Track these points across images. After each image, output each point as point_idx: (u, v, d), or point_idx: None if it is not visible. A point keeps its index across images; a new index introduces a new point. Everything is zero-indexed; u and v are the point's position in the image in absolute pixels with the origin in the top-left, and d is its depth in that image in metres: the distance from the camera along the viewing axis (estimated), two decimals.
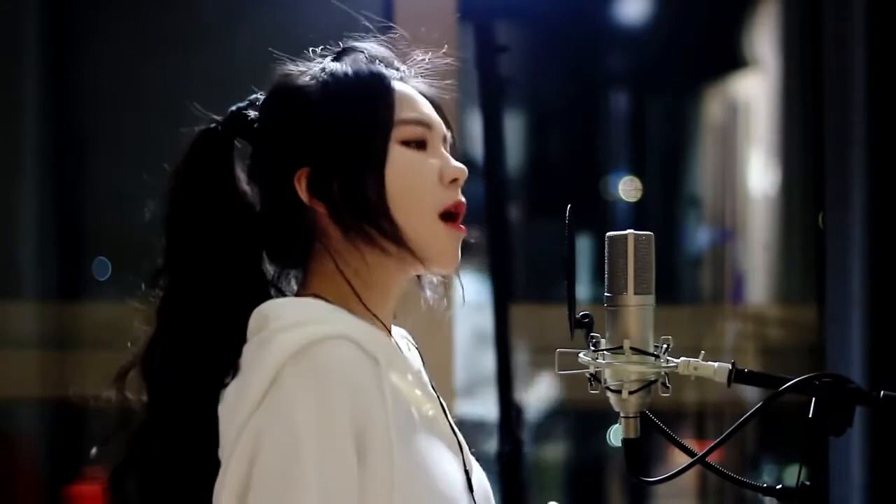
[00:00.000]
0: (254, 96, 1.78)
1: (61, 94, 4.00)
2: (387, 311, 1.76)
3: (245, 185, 1.76)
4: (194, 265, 1.72)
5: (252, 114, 1.77)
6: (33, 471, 4.05)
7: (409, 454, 1.64)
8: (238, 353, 1.67)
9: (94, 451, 1.79)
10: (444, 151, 1.76)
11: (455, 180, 1.74)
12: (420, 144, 1.73)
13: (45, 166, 4.00)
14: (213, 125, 1.76)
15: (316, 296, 1.72)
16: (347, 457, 1.59)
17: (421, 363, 1.86)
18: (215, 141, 1.75)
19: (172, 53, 3.89)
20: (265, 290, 1.76)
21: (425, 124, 1.74)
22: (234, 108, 1.78)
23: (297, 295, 1.75)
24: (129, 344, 1.76)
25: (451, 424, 1.76)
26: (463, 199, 1.74)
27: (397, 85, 1.75)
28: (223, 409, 1.65)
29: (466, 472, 1.73)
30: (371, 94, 1.72)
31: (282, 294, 1.78)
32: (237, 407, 1.62)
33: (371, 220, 1.69)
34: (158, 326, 1.72)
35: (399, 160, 1.71)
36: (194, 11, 3.98)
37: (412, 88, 1.77)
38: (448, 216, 1.73)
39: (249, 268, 1.74)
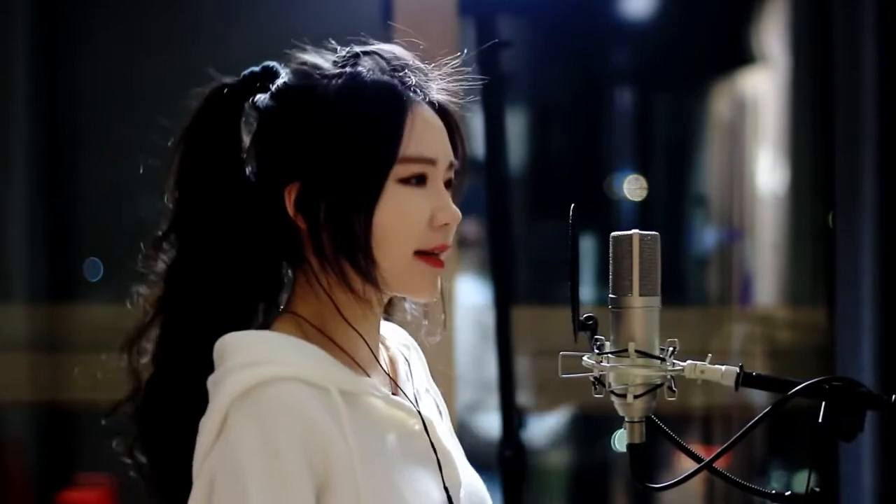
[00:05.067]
0: (269, 64, 1.76)
1: (52, 94, 4.02)
2: (369, 325, 1.75)
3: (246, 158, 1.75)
4: (201, 227, 1.72)
5: (263, 97, 1.73)
6: (24, 476, 4.05)
7: (378, 485, 1.64)
8: (247, 314, 1.71)
9: (104, 420, 1.79)
10: (443, 189, 1.72)
11: (445, 225, 1.71)
12: (420, 180, 1.70)
13: (36, 166, 4.01)
14: (224, 88, 1.75)
15: (294, 314, 1.72)
16: (299, 496, 1.59)
17: (421, 367, 1.85)
18: (224, 104, 1.74)
19: (164, 52, 3.90)
20: (274, 255, 1.74)
21: (430, 161, 1.70)
22: (247, 72, 1.76)
23: (281, 312, 1.75)
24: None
25: (431, 441, 1.73)
26: (448, 243, 1.72)
27: (412, 108, 1.71)
28: (201, 423, 1.66)
29: (447, 489, 1.71)
30: (378, 127, 1.69)
31: (280, 281, 1.77)
32: (199, 440, 1.64)
33: (348, 254, 1.67)
34: (168, 288, 1.72)
35: (392, 199, 1.68)
36: (187, 10, 3.99)
37: (428, 110, 1.72)
38: (426, 253, 1.71)
39: (254, 235, 1.72)
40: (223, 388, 1.62)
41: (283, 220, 1.70)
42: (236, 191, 1.71)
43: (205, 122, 1.73)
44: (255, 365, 1.62)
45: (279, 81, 1.73)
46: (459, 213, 1.71)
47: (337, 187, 1.67)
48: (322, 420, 1.61)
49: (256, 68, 1.75)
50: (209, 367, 1.66)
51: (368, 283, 1.68)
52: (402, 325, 1.85)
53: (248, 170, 1.73)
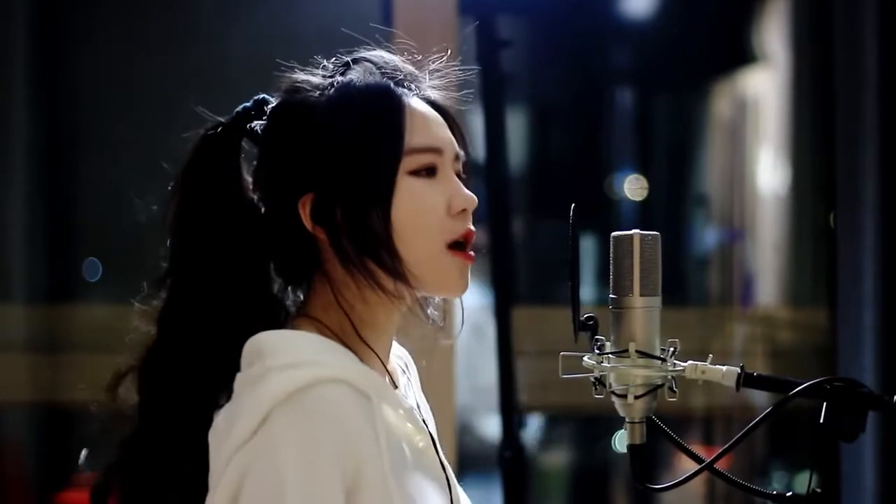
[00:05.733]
0: (260, 97, 1.75)
1: (52, 94, 4.01)
2: (384, 342, 1.74)
3: (251, 191, 1.73)
4: (199, 273, 1.70)
5: (257, 123, 1.73)
6: (22, 477, 4.04)
7: (403, 493, 1.62)
8: (236, 373, 1.66)
9: (83, 454, 1.76)
10: (454, 177, 1.72)
11: (464, 210, 1.70)
12: (430, 171, 1.70)
13: (36, 166, 4.01)
14: (218, 127, 1.73)
15: (314, 320, 1.70)
16: (332, 501, 1.58)
17: (417, 385, 1.85)
18: (220, 143, 1.72)
19: (164, 52, 3.90)
20: (271, 303, 1.74)
21: (436, 150, 1.70)
22: (239, 109, 1.74)
23: (297, 316, 1.73)
24: (124, 347, 1.74)
25: (440, 457, 1.74)
26: (472, 228, 1.71)
27: (409, 102, 1.71)
28: (212, 434, 1.64)
29: None
30: (380, 122, 1.68)
31: (284, 309, 1.75)
32: (227, 438, 1.61)
33: (372, 253, 1.66)
34: (159, 334, 1.71)
35: (406, 192, 1.67)
36: (187, 10, 3.98)
37: (425, 105, 1.73)
38: (457, 245, 1.70)
39: (256, 278, 1.71)
40: (265, 387, 1.59)
41: (298, 236, 1.68)
42: (239, 229, 1.69)
43: (202, 165, 1.72)
44: (298, 365, 1.60)
45: (272, 105, 1.72)
46: (475, 198, 1.71)
47: (350, 189, 1.66)
48: (362, 426, 1.60)
49: (248, 103, 1.74)
50: (201, 424, 1.64)
51: (398, 280, 1.66)
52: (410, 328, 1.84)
53: (255, 198, 1.71)
